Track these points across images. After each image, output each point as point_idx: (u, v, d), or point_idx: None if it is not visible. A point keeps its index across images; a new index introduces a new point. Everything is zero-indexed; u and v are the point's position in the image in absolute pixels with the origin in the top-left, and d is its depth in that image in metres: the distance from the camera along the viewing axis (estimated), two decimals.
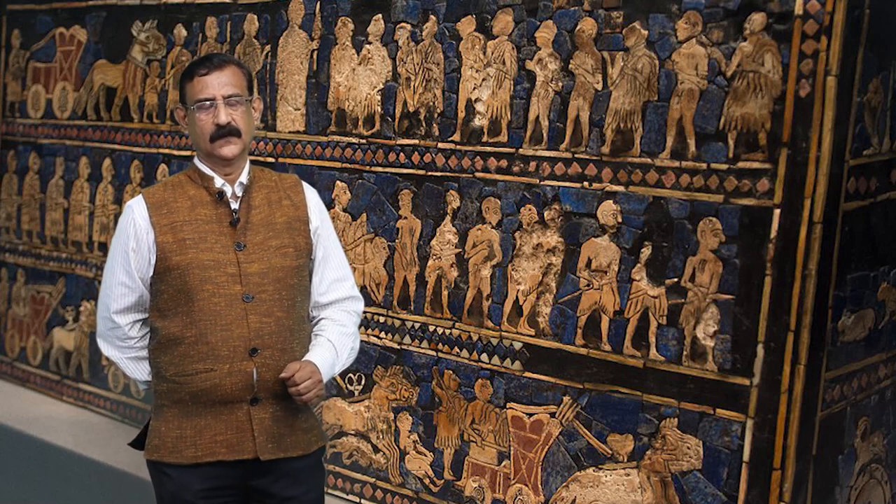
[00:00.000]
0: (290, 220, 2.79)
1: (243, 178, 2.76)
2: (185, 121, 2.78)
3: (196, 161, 2.79)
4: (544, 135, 3.35)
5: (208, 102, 2.67)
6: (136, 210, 2.72)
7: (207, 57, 2.77)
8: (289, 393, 2.67)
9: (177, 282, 2.67)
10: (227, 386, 2.66)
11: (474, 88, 3.53)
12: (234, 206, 2.73)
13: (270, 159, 4.11)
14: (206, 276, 2.66)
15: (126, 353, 2.80)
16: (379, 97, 3.80)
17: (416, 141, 3.69)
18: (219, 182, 2.72)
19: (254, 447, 2.68)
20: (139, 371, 2.81)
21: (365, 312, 3.82)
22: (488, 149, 3.49)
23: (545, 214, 3.35)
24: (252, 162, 2.84)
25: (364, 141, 3.85)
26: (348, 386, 3.94)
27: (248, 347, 2.66)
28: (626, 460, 3.19)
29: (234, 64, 2.75)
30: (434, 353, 3.67)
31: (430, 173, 3.66)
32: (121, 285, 2.73)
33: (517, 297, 3.43)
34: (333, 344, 2.79)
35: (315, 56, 3.99)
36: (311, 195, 2.87)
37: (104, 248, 4.92)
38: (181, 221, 2.69)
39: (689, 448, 3.05)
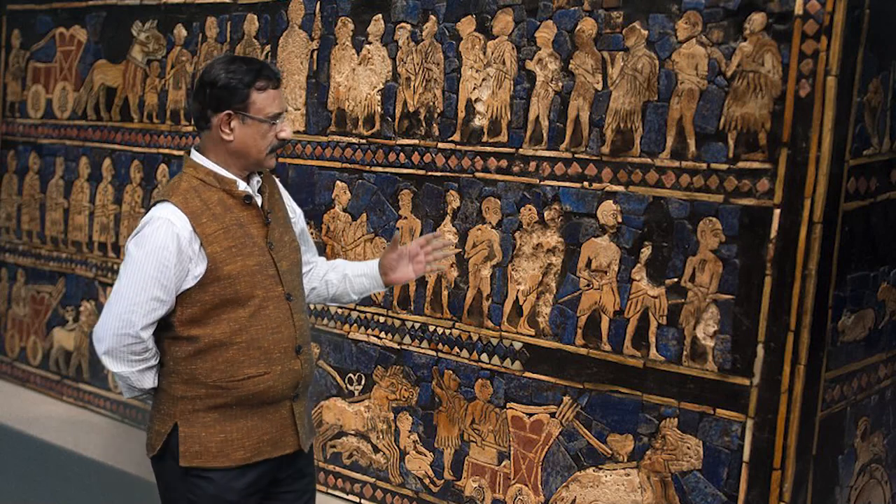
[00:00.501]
0: (285, 213, 2.86)
1: (256, 177, 2.77)
2: (229, 127, 2.64)
3: (206, 163, 2.69)
4: (544, 135, 3.35)
5: (279, 118, 2.68)
6: (177, 222, 2.59)
7: (267, 67, 2.69)
8: (433, 255, 2.98)
9: (226, 290, 2.62)
10: (279, 387, 2.70)
11: (474, 88, 3.53)
12: (258, 204, 2.75)
13: None
14: (255, 282, 2.66)
15: (138, 366, 2.66)
16: (379, 97, 3.80)
17: (416, 141, 3.69)
18: (241, 185, 2.70)
19: (296, 441, 2.77)
20: (147, 380, 2.70)
21: (365, 312, 3.84)
22: (488, 149, 3.49)
23: (545, 214, 3.35)
24: None
25: (364, 141, 3.85)
26: (348, 386, 3.94)
27: (295, 346, 2.73)
28: (626, 460, 3.19)
29: None
30: (434, 353, 3.67)
31: (430, 173, 3.66)
32: (154, 300, 2.59)
33: (517, 297, 3.43)
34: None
35: (315, 56, 3.99)
36: (279, 183, 2.95)
37: (104, 248, 4.92)
38: (222, 229, 2.64)
39: (689, 448, 3.05)
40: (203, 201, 2.64)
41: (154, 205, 2.67)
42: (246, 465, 2.68)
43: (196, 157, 2.72)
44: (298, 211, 2.98)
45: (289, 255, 2.78)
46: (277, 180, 2.95)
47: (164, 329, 2.67)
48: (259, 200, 2.75)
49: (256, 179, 2.76)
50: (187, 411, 2.67)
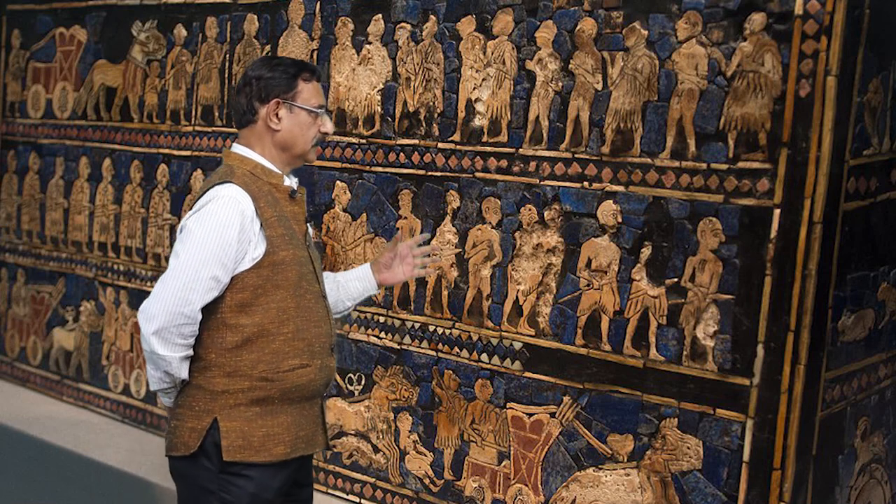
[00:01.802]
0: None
1: (294, 177, 2.79)
2: (278, 117, 2.67)
3: (253, 156, 2.70)
4: (544, 135, 3.35)
5: (322, 110, 2.73)
6: (243, 201, 2.59)
7: (308, 62, 2.77)
8: (426, 259, 3.06)
9: (278, 276, 2.62)
10: (317, 381, 2.72)
11: (474, 88, 3.53)
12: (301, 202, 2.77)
13: None
14: (302, 273, 2.68)
15: (181, 351, 2.60)
16: (379, 97, 3.80)
17: (416, 141, 3.69)
18: (287, 180, 2.73)
19: (324, 439, 2.82)
20: (184, 370, 2.64)
21: (365, 312, 3.84)
22: (488, 149, 3.49)
23: (545, 214, 3.35)
24: None
25: (364, 141, 3.85)
26: (348, 386, 3.94)
27: (331, 344, 2.77)
28: (626, 460, 3.19)
29: None
30: (434, 353, 3.67)
31: (430, 173, 3.66)
32: (212, 279, 2.55)
33: (517, 297, 3.43)
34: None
35: (315, 56, 3.99)
36: None
37: (104, 248, 4.92)
38: (276, 216, 2.65)
39: (689, 448, 3.05)
40: (258, 189, 2.66)
41: (210, 188, 2.63)
42: (284, 461, 2.69)
43: (241, 149, 2.72)
44: None
45: (317, 258, 2.82)
46: None
47: (207, 319, 2.62)
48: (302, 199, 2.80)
49: (295, 179, 2.78)
50: (228, 406, 2.63)
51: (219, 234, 2.55)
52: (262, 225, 2.61)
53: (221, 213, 2.57)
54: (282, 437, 2.66)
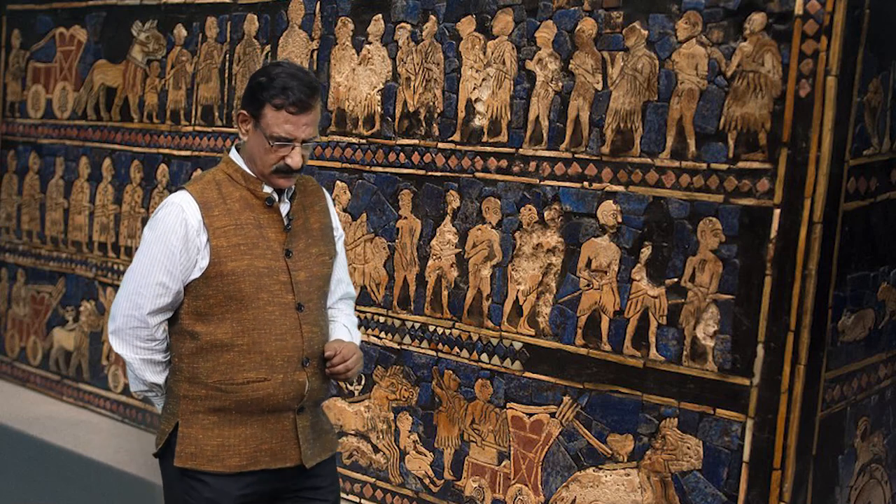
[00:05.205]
0: (322, 226, 2.80)
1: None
2: (245, 128, 2.62)
3: (237, 160, 2.67)
4: (544, 135, 3.35)
5: (279, 143, 2.57)
6: (188, 209, 2.57)
7: (296, 89, 2.54)
8: (328, 372, 2.70)
9: (229, 287, 2.59)
10: (279, 396, 2.64)
11: (474, 88, 3.53)
12: (284, 210, 2.69)
13: None
14: (261, 284, 2.61)
15: (142, 353, 2.65)
16: (379, 97, 3.80)
17: (416, 141, 3.69)
18: (268, 188, 2.65)
19: (298, 455, 2.71)
20: (147, 372, 2.68)
21: (365, 312, 3.83)
22: (488, 149, 3.49)
23: (545, 214, 3.35)
24: None
25: (364, 141, 3.85)
26: (348, 386, 3.93)
27: (301, 358, 2.66)
28: (626, 460, 3.19)
29: (318, 99, 2.62)
30: (434, 353, 3.67)
31: (430, 173, 3.66)
32: (159, 286, 2.58)
33: (517, 297, 3.43)
34: (349, 329, 2.85)
35: (315, 56, 3.99)
36: (329, 198, 2.89)
37: (104, 248, 4.92)
38: (234, 225, 2.60)
39: (689, 448, 3.05)
40: (222, 195, 2.62)
41: (174, 192, 2.68)
42: (241, 472, 2.64)
43: (232, 153, 2.71)
44: (340, 234, 2.89)
45: (310, 267, 2.72)
46: (328, 195, 2.89)
47: (173, 324, 2.67)
48: (286, 207, 2.70)
49: (289, 186, 2.71)
50: (188, 411, 2.65)
51: (162, 241, 2.59)
52: (209, 236, 2.58)
53: (166, 220, 2.60)
54: (237, 448, 2.63)
